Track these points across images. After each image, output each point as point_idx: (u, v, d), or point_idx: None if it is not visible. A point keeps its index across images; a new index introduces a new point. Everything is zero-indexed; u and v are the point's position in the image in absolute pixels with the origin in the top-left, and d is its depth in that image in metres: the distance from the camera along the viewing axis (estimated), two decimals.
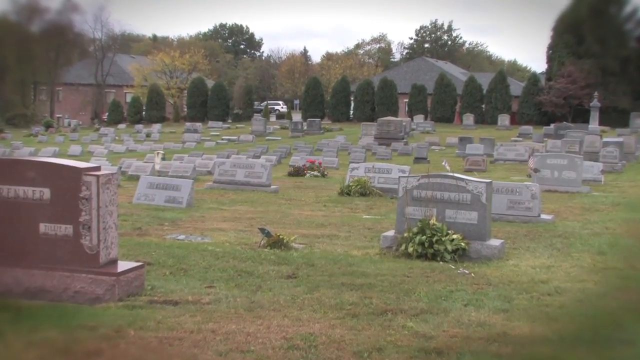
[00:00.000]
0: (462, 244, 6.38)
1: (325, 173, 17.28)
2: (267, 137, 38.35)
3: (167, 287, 4.99)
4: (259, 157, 23.65)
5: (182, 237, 7.56)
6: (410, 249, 6.41)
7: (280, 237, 6.90)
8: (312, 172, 16.98)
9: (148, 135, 40.07)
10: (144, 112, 54.02)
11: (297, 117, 51.90)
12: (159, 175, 15.58)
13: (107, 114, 55.14)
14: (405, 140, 32.17)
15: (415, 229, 6.50)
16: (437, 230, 6.41)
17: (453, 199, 6.56)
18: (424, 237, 6.38)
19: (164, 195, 10.75)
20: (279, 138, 38.07)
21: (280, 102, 70.70)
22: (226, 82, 61.41)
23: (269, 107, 60.09)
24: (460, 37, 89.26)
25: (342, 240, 7.67)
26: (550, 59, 45.79)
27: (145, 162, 19.55)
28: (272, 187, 12.99)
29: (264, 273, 5.62)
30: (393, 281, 5.41)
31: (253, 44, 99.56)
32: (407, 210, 6.70)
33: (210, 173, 17.62)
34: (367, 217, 9.87)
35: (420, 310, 4.56)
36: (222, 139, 37.13)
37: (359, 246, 7.25)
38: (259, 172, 12.99)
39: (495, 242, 6.68)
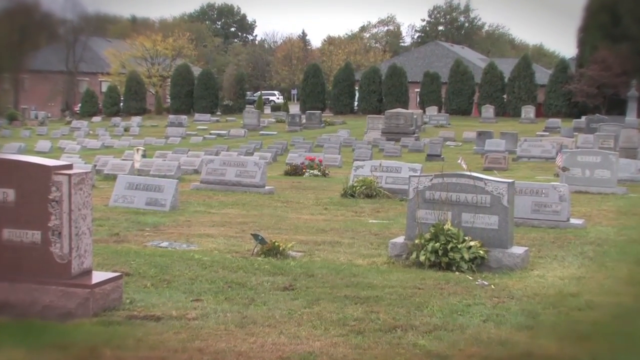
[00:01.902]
0: (481, 251, 6.39)
1: (327, 172, 17.30)
2: (260, 132, 38.39)
3: (148, 301, 5.00)
4: (251, 154, 23.68)
5: (165, 244, 7.57)
6: (422, 258, 6.42)
7: (276, 244, 6.90)
8: (312, 171, 16.99)
9: (126, 130, 40.14)
10: (121, 103, 54.08)
11: (294, 109, 51.97)
12: (138, 174, 15.59)
13: (79, 105, 55.19)
14: (416, 135, 32.21)
15: (427, 235, 6.50)
16: (452, 237, 6.42)
17: (470, 201, 6.56)
18: (438, 244, 6.39)
19: (145, 197, 10.76)
20: (275, 133, 38.11)
21: (276, 93, 70.80)
22: (215, 70, 61.52)
23: (263, 97, 60.14)
24: (479, 19, 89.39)
25: (346, 247, 7.67)
26: (581, 43, 45.78)
27: (124, 159, 19.58)
28: (266, 187, 13.00)
29: (257, 284, 5.62)
30: (403, 294, 5.42)
31: (245, 26, 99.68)
32: (419, 213, 6.70)
33: (197, 172, 17.64)
34: (374, 221, 9.87)
35: (433, 326, 4.57)
36: (210, 134, 37.17)
37: (365, 254, 7.26)
38: (251, 171, 13.00)
39: (518, 249, 6.69)
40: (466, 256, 6.31)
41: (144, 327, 4.37)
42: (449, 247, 6.37)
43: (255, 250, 6.93)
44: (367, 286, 5.67)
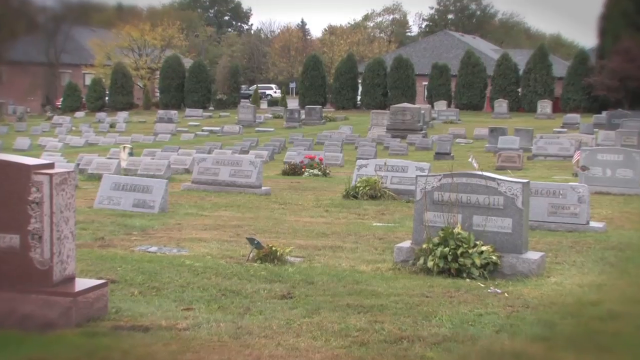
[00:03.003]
0: (493, 257, 6.39)
1: (327, 172, 17.31)
2: (256, 129, 38.43)
3: (136, 310, 5.01)
4: (247, 152, 23.70)
5: (153, 249, 7.58)
6: (430, 264, 6.42)
7: (273, 248, 6.90)
8: (312, 171, 17.00)
9: (112, 126, 40.17)
10: (107, 98, 54.14)
11: (293, 103, 51.99)
12: (125, 174, 15.61)
13: (61, 99, 55.23)
14: (424, 132, 32.23)
15: (436, 239, 6.51)
16: (462, 241, 6.42)
17: (482, 203, 6.57)
18: (447, 249, 6.40)
19: (132, 198, 10.78)
20: (272, 129, 38.14)
21: (273, 86, 70.87)
22: (207, 62, 61.51)
23: (260, 91, 60.23)
24: (492, 6, 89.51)
25: (348, 252, 7.68)
26: (602, 32, 45.78)
27: (109, 158, 19.61)
28: (263, 188, 13.02)
29: (253, 292, 5.63)
30: (409, 302, 5.42)
31: (239, 15, 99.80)
32: (427, 216, 6.71)
33: (188, 172, 17.67)
34: (378, 224, 9.88)
35: (442, 337, 4.57)
36: (203, 130, 37.22)
37: (368, 260, 7.26)
38: (247, 171, 13.01)
39: (533, 255, 6.69)
40: (477, 262, 6.31)
41: (131, 339, 4.37)
42: (459, 252, 6.37)
43: (251, 256, 6.94)
44: (371, 294, 5.68)
